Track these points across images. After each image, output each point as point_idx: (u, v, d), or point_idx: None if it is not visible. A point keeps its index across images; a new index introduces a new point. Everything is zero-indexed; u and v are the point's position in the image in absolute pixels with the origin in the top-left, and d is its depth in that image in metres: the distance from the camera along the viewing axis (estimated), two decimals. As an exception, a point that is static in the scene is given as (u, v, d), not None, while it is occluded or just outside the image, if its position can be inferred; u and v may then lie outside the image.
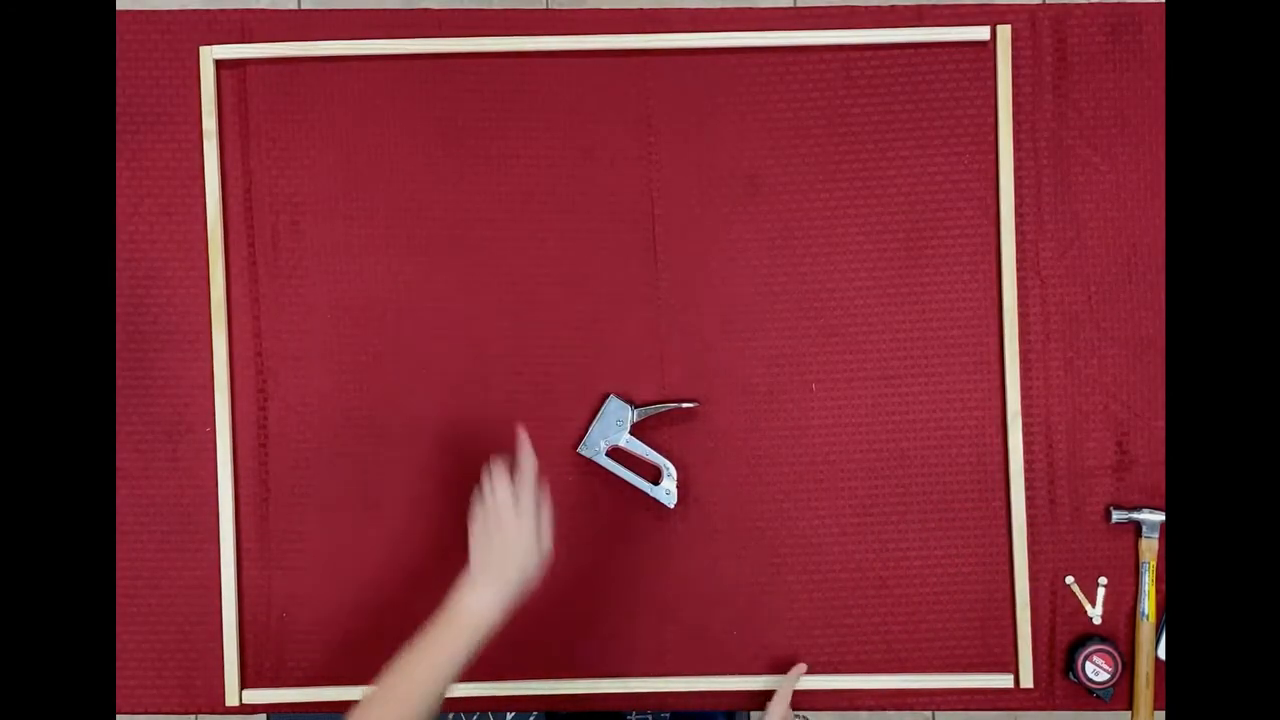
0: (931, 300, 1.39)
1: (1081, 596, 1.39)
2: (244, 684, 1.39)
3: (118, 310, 1.39)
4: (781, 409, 1.39)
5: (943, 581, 1.39)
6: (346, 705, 1.39)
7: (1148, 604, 1.37)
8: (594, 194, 1.40)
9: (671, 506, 1.38)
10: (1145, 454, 1.39)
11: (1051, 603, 1.39)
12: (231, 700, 1.39)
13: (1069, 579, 1.39)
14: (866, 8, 1.40)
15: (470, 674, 1.38)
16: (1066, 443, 1.39)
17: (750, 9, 1.42)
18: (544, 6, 2.16)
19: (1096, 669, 1.36)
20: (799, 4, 1.98)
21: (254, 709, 1.39)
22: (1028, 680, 1.38)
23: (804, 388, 1.39)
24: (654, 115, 1.40)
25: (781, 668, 1.38)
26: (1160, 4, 1.39)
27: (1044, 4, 1.41)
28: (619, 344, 1.40)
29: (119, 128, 1.39)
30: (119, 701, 1.39)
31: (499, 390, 1.39)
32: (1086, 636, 1.38)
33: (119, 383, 1.39)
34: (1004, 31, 1.39)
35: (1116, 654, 1.36)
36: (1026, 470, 1.38)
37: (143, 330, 1.40)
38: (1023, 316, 1.38)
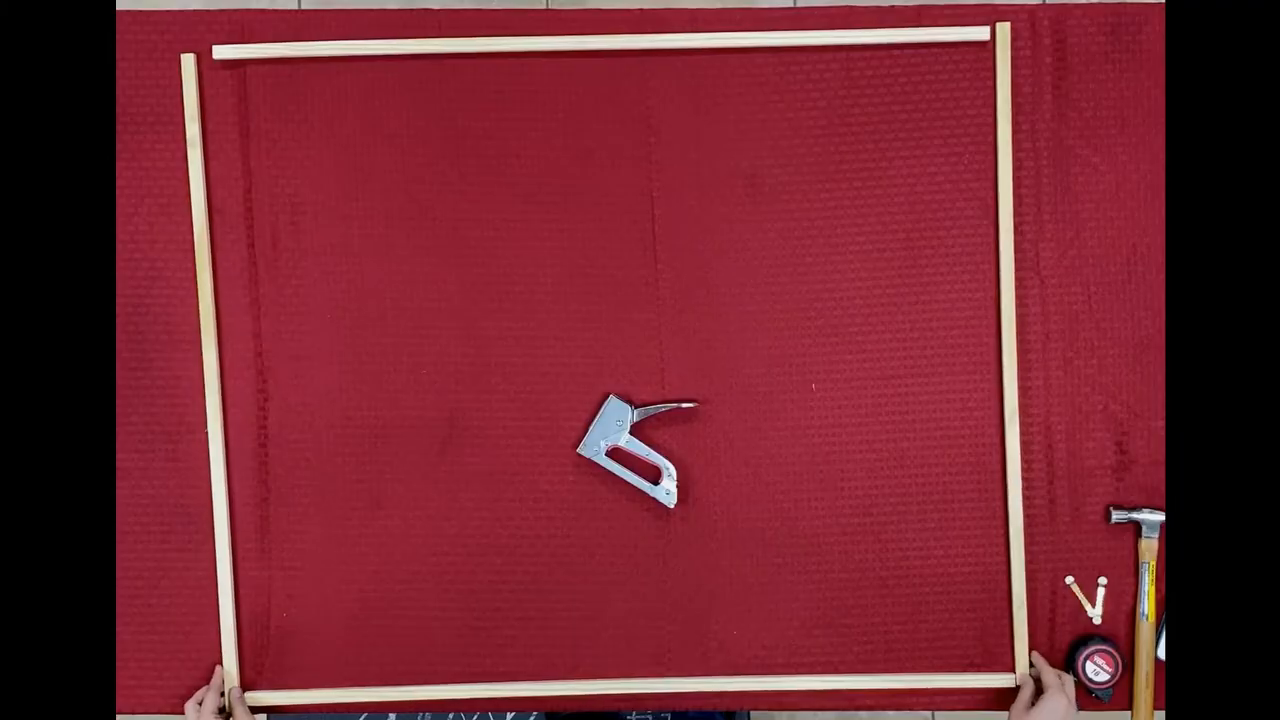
0: (931, 300, 1.39)
1: (1081, 596, 1.39)
2: (244, 684, 1.39)
3: (118, 311, 1.39)
4: (781, 409, 1.39)
5: (942, 582, 1.39)
6: (347, 706, 1.40)
7: (1147, 604, 1.37)
8: (594, 194, 1.40)
9: (671, 506, 1.37)
10: (1145, 454, 1.39)
11: (1051, 603, 1.39)
12: (231, 700, 1.39)
13: (1069, 579, 1.39)
14: (866, 8, 1.40)
15: (470, 674, 1.39)
16: (1066, 443, 1.39)
17: (750, 9, 1.42)
18: (544, 6, 2.16)
19: (1096, 669, 1.36)
20: (799, 4, 1.98)
21: (254, 709, 1.39)
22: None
23: (804, 388, 1.39)
24: (654, 115, 1.40)
25: (781, 668, 1.38)
26: (1160, 4, 1.39)
27: (1044, 4, 1.41)
28: (619, 344, 1.40)
29: (119, 128, 1.39)
30: (119, 701, 1.39)
31: (499, 390, 1.39)
32: (1086, 636, 1.38)
33: (119, 383, 1.39)
34: (1004, 31, 1.38)
35: (1116, 654, 1.36)
36: (1026, 470, 1.38)
37: (143, 331, 1.40)
38: (1022, 316, 1.38)
